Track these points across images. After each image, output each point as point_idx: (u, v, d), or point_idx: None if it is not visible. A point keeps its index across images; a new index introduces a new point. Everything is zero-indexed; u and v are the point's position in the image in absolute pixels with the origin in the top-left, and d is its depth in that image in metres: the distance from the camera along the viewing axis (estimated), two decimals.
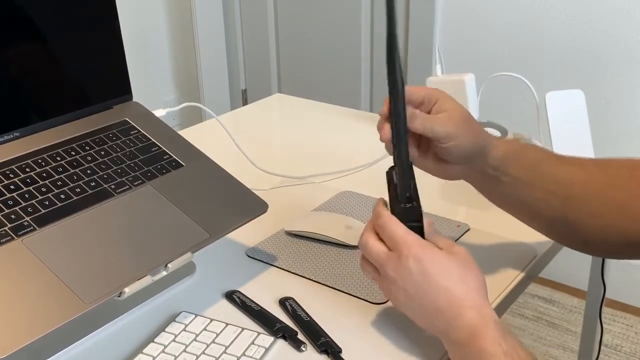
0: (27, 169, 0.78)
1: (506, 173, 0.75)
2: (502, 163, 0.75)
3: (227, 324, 0.73)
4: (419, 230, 0.68)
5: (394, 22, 0.69)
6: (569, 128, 1.10)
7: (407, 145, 0.69)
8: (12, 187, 0.75)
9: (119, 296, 0.70)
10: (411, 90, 0.74)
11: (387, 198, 0.71)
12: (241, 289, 0.81)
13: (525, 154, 0.77)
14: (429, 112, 0.74)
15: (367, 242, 0.68)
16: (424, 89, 0.75)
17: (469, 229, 0.93)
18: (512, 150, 0.76)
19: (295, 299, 0.78)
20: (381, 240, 0.68)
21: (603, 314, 1.28)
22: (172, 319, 0.75)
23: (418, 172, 0.71)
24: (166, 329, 0.73)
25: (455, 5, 2.16)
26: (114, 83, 0.93)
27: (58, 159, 0.81)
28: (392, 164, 0.70)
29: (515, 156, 0.76)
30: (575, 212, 0.74)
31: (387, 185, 0.71)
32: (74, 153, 0.83)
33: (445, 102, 0.75)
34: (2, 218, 0.72)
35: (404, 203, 0.68)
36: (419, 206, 0.69)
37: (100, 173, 0.81)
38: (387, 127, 0.71)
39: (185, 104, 1.10)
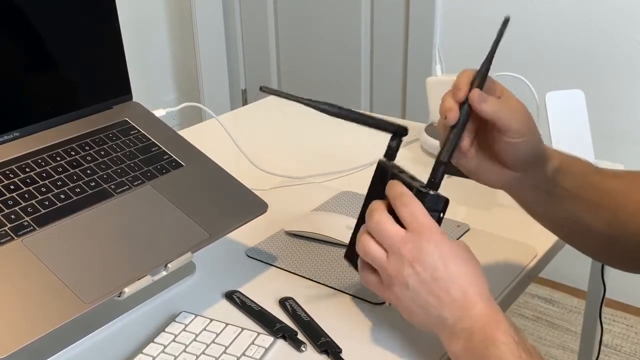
0: (27, 169, 0.78)
1: (558, 185, 0.71)
2: (557, 174, 0.71)
3: (227, 324, 0.73)
4: (438, 221, 0.66)
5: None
6: (569, 128, 1.10)
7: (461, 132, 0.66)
8: (12, 187, 0.75)
9: (119, 296, 0.70)
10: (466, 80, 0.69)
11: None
12: (241, 289, 0.81)
13: (574, 164, 0.73)
14: None
15: (383, 219, 0.64)
16: (492, 80, 0.70)
17: (469, 229, 0.93)
18: (565, 161, 0.71)
19: (295, 299, 0.78)
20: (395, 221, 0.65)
21: (603, 314, 1.27)
22: (172, 319, 0.75)
23: (416, 175, 0.71)
24: (166, 329, 0.73)
25: (455, 5, 2.16)
26: (114, 83, 0.93)
27: (58, 159, 0.81)
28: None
29: (566, 167, 0.71)
30: (622, 224, 0.72)
31: (379, 172, 0.71)
32: (73, 153, 0.83)
33: (511, 97, 0.69)
34: (2, 218, 0.72)
35: (428, 189, 0.66)
36: (444, 197, 0.66)
37: (100, 173, 0.81)
38: (456, 109, 0.66)
39: (185, 104, 1.11)
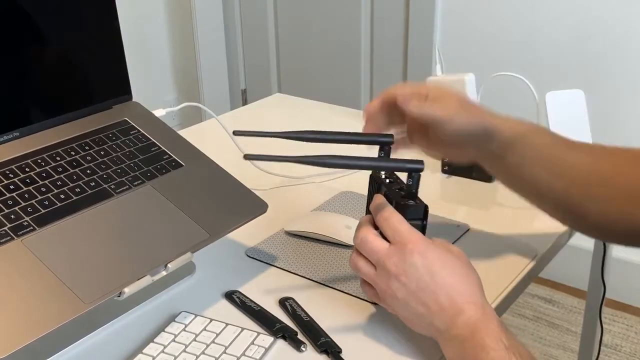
0: (27, 169, 0.78)
1: (513, 154, 0.75)
2: (509, 146, 0.75)
3: (227, 324, 0.73)
4: (421, 229, 0.68)
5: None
6: (569, 128, 1.10)
7: None
8: (12, 187, 0.75)
9: (119, 296, 0.70)
10: (398, 90, 0.76)
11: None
12: (241, 289, 0.81)
13: (533, 137, 0.76)
14: None
15: (367, 236, 0.67)
16: (409, 88, 0.77)
17: (469, 229, 0.93)
18: (519, 133, 0.76)
19: (295, 299, 0.78)
20: (380, 236, 0.68)
21: (603, 314, 1.28)
22: (172, 319, 0.75)
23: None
24: (166, 329, 0.73)
25: (455, 6, 2.16)
26: (114, 83, 0.93)
27: (58, 159, 0.81)
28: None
29: (522, 140, 0.75)
30: (579, 196, 0.74)
31: (372, 186, 0.72)
32: (73, 153, 0.83)
33: (435, 91, 0.76)
34: (2, 218, 0.72)
35: (406, 200, 0.68)
36: (423, 203, 0.69)
37: (100, 173, 0.81)
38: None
39: (185, 104, 1.10)
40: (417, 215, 0.68)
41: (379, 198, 0.69)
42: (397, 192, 0.70)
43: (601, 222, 0.74)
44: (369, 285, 0.69)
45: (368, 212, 0.73)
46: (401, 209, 0.68)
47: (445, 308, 0.64)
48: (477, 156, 0.78)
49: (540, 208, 0.79)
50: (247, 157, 0.69)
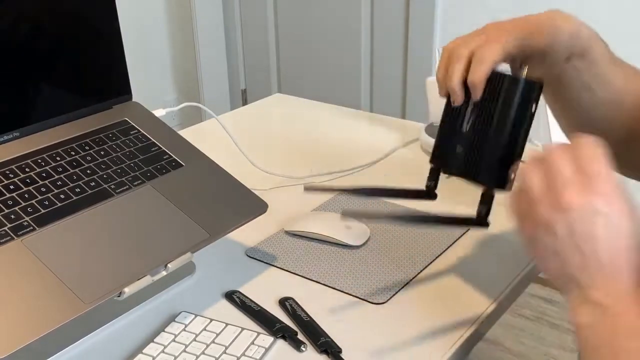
0: (27, 169, 0.78)
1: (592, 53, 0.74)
2: (577, 59, 0.73)
3: (227, 324, 0.73)
4: (531, 116, 0.66)
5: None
6: None
7: None
8: (12, 187, 0.75)
9: (119, 296, 0.70)
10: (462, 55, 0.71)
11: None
12: (241, 289, 0.81)
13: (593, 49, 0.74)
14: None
15: (556, 151, 0.58)
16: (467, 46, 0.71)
17: (469, 229, 0.93)
18: (581, 50, 0.73)
19: (295, 299, 0.78)
20: None
21: None
22: (172, 319, 0.75)
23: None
24: (166, 329, 0.73)
25: (455, 5, 2.16)
26: (114, 83, 0.93)
27: (58, 159, 0.81)
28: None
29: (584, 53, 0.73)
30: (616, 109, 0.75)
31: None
32: (73, 153, 0.83)
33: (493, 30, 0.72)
34: (2, 218, 0.72)
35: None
36: (540, 81, 0.67)
37: (100, 173, 0.81)
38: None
39: (185, 104, 1.10)
40: (532, 97, 0.66)
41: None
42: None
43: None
44: (519, 200, 0.59)
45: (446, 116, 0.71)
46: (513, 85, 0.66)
47: (605, 267, 0.55)
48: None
49: (596, 121, 0.76)
50: (307, 188, 0.74)
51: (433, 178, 0.75)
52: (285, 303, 0.77)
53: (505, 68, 0.70)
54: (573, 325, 0.56)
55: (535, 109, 0.66)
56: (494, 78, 0.67)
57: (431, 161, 0.73)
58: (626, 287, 0.55)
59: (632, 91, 0.77)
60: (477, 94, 0.67)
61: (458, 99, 0.68)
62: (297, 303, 0.78)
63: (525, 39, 0.69)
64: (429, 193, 0.76)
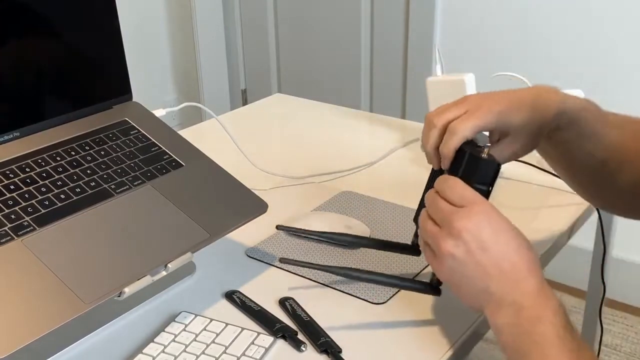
0: (27, 169, 0.78)
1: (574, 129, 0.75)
2: (555, 133, 0.74)
3: (227, 324, 0.73)
4: (486, 194, 0.67)
5: None
6: None
7: None
8: (12, 187, 0.75)
9: (119, 296, 0.70)
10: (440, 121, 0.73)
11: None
12: (241, 289, 0.81)
13: (583, 122, 0.75)
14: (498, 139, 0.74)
15: (435, 197, 0.67)
16: (449, 113, 0.73)
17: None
18: (566, 121, 0.74)
19: (295, 299, 0.78)
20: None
21: (603, 314, 1.27)
22: (172, 319, 0.75)
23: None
24: (166, 329, 0.73)
25: (455, 5, 2.15)
26: (114, 83, 0.93)
27: (58, 159, 0.81)
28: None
29: (567, 123, 0.74)
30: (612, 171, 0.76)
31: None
32: (73, 153, 0.83)
33: (474, 103, 0.72)
34: (2, 218, 0.72)
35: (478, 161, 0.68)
36: (497, 162, 0.68)
37: (100, 173, 0.81)
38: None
39: (185, 104, 1.10)
40: (486, 178, 0.67)
41: (443, 176, 0.69)
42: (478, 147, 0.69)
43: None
44: (428, 246, 0.68)
45: (430, 181, 0.73)
46: (473, 162, 0.67)
47: (506, 272, 0.62)
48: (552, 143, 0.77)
49: (579, 185, 0.80)
50: (282, 260, 0.77)
51: (417, 234, 0.77)
52: (285, 303, 0.77)
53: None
54: (495, 334, 0.62)
55: (491, 189, 0.68)
56: (460, 152, 0.69)
57: (414, 220, 0.74)
58: (535, 285, 0.61)
59: (632, 147, 0.77)
60: (445, 164, 0.70)
61: (433, 163, 0.72)
62: (297, 303, 0.78)
63: (503, 115, 0.71)
64: (413, 248, 0.79)
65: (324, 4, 2.50)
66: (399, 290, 0.80)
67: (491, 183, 0.68)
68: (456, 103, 0.73)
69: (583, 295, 1.77)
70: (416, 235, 0.78)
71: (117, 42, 0.92)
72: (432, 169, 0.74)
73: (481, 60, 2.11)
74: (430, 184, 0.73)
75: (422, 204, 0.73)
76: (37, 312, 0.65)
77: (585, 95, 1.11)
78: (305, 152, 1.22)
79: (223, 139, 1.09)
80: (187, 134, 1.02)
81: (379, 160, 1.15)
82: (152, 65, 2.79)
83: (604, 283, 1.21)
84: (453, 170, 0.69)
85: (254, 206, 0.84)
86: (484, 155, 0.67)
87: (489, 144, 0.70)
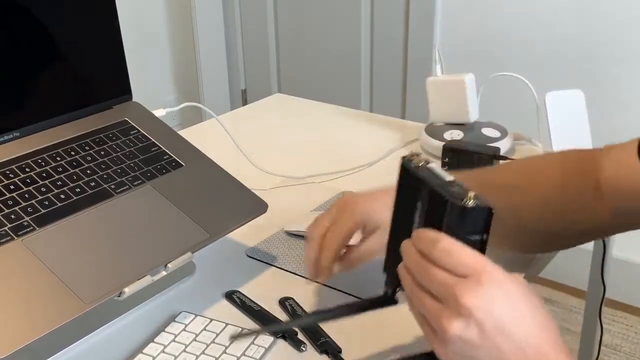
0: (27, 169, 0.78)
1: None
2: None
3: (227, 324, 0.73)
4: (481, 245, 0.55)
5: None
6: (569, 128, 1.10)
7: None
8: (12, 187, 0.75)
9: (119, 296, 0.70)
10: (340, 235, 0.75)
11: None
12: (241, 289, 0.81)
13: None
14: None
15: (426, 266, 0.54)
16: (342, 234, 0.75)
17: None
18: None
19: (295, 299, 0.78)
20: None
21: (603, 314, 1.27)
22: (172, 319, 0.75)
23: None
24: (166, 329, 0.73)
25: (455, 5, 2.16)
26: (114, 83, 0.93)
27: (58, 159, 0.81)
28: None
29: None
30: (522, 214, 0.76)
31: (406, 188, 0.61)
32: (73, 153, 0.83)
33: (371, 221, 0.74)
34: (2, 218, 0.72)
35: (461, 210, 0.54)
36: (488, 207, 0.54)
37: (100, 173, 0.81)
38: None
39: (185, 104, 1.10)
40: (476, 228, 0.54)
41: (425, 232, 0.55)
42: (452, 185, 0.56)
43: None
44: (424, 319, 0.55)
45: (397, 212, 0.64)
46: (457, 212, 0.54)
47: (529, 355, 0.51)
48: None
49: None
50: (232, 337, 0.69)
51: (388, 282, 0.68)
52: (285, 303, 0.77)
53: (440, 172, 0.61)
54: None
55: (487, 237, 0.55)
56: (436, 198, 0.56)
57: (384, 269, 0.68)
58: None
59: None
60: (323, 278, 0.76)
61: (317, 277, 0.76)
62: (297, 303, 0.78)
63: (368, 214, 0.74)
64: (390, 298, 0.68)
65: (324, 5, 2.50)
66: (399, 290, 0.80)
67: (486, 230, 0.55)
68: (328, 210, 0.76)
69: (583, 295, 1.77)
70: (386, 283, 0.67)
71: (117, 42, 0.92)
72: (397, 201, 0.63)
73: (481, 60, 2.12)
74: (400, 225, 0.63)
75: (391, 249, 0.64)
76: (37, 312, 0.65)
77: (585, 95, 1.11)
78: (305, 152, 1.22)
79: (223, 139, 1.09)
80: (187, 134, 1.02)
81: (379, 160, 1.15)
82: (152, 65, 2.79)
83: (604, 283, 1.21)
84: (432, 218, 0.57)
85: (254, 206, 0.84)
86: (470, 203, 0.53)
87: (470, 189, 0.55)
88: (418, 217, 0.60)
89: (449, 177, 0.57)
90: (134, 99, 0.95)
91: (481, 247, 0.55)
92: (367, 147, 1.21)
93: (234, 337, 0.68)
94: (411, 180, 0.60)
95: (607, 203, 0.73)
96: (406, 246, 0.57)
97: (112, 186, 0.80)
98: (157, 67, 2.83)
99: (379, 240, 0.70)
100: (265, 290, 0.81)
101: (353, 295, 0.79)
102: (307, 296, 0.80)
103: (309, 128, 1.34)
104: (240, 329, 0.72)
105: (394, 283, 0.65)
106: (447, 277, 0.52)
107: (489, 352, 0.51)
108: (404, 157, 0.62)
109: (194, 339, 0.71)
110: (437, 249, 0.53)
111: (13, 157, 0.79)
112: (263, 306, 0.77)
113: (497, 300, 0.51)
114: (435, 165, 0.60)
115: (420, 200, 0.59)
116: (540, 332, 0.52)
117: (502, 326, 0.51)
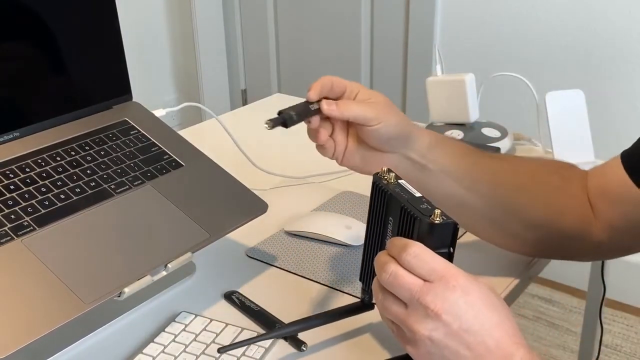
0: (27, 169, 0.78)
1: (433, 161, 0.76)
2: (429, 151, 0.76)
3: (226, 324, 0.73)
4: (449, 257, 0.59)
5: None
6: (569, 128, 1.10)
7: None
8: (12, 187, 0.75)
9: (119, 296, 0.70)
10: (334, 81, 0.79)
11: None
12: (241, 289, 0.81)
13: (451, 143, 0.78)
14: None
15: (397, 270, 0.57)
16: (343, 82, 0.79)
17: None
18: (436, 139, 0.77)
19: (241, 292, 0.78)
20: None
21: (603, 314, 1.27)
22: (172, 319, 0.75)
23: None
24: (166, 329, 0.73)
25: (455, 5, 2.16)
26: (114, 83, 0.93)
27: (58, 159, 0.81)
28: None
29: (441, 145, 0.77)
30: (500, 199, 0.76)
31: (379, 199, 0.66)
32: (73, 153, 0.83)
33: (365, 91, 0.76)
34: (2, 218, 0.72)
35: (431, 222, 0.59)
36: (454, 222, 0.59)
37: (100, 173, 0.81)
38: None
39: (185, 104, 1.10)
40: (443, 242, 0.59)
41: (397, 239, 0.60)
42: (420, 203, 0.61)
43: (523, 233, 0.77)
44: (395, 324, 0.60)
45: (371, 225, 0.68)
46: (427, 229, 0.59)
47: (493, 350, 0.56)
48: (398, 164, 0.76)
49: (461, 222, 0.72)
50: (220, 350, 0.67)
51: (364, 290, 0.72)
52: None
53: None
54: None
55: (453, 250, 0.60)
56: (405, 215, 0.62)
57: (360, 279, 0.71)
58: (526, 355, 0.56)
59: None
60: None
61: None
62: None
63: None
64: (368, 304, 0.73)
65: (324, 5, 2.50)
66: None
67: (452, 244, 0.59)
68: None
69: (583, 295, 1.77)
70: (363, 291, 0.72)
71: (117, 42, 0.92)
72: (370, 215, 0.68)
73: (481, 60, 2.11)
74: (374, 238, 0.67)
75: (366, 260, 0.69)
76: (37, 312, 0.65)
77: (585, 95, 1.11)
78: (305, 152, 1.22)
79: (223, 139, 1.09)
80: (187, 134, 1.02)
81: None
82: (152, 65, 2.79)
83: (604, 283, 1.21)
84: (403, 233, 0.62)
85: (254, 206, 0.84)
86: (437, 220, 0.58)
87: (437, 207, 0.60)
88: (390, 230, 0.65)
89: (417, 193, 0.63)
90: (134, 99, 0.95)
91: (449, 258, 0.59)
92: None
93: (222, 351, 0.67)
94: (383, 197, 0.65)
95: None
96: (379, 257, 0.60)
97: (112, 186, 0.80)
98: (157, 67, 2.83)
99: (373, 107, 0.74)
100: (265, 290, 0.81)
101: (353, 296, 0.79)
102: (307, 296, 0.80)
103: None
104: (240, 329, 0.72)
105: (369, 291, 0.70)
106: (415, 282, 0.57)
107: (456, 348, 0.56)
108: (375, 174, 0.67)
109: (194, 339, 0.71)
110: (409, 254, 0.57)
111: (13, 157, 0.79)
112: (263, 306, 0.77)
113: (462, 304, 0.56)
114: (405, 182, 0.65)
115: (391, 215, 0.64)
116: (499, 328, 0.56)
117: (467, 326, 0.56)
